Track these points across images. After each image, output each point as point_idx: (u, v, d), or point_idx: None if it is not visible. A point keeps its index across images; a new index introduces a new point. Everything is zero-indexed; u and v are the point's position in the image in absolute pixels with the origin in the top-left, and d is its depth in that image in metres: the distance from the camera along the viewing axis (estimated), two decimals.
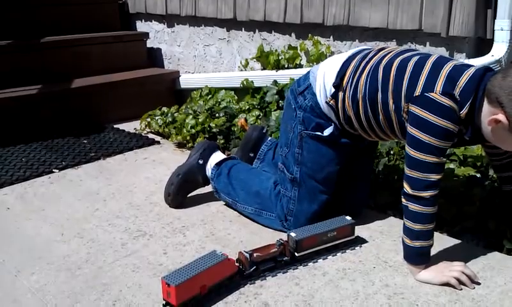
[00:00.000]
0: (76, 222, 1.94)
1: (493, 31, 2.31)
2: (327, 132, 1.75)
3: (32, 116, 2.94)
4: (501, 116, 1.39)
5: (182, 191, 2.05)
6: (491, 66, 2.08)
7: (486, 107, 1.44)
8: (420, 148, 1.47)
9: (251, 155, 2.16)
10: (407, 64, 1.56)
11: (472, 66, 1.52)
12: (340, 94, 1.69)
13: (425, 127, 1.46)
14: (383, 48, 1.71)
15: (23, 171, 2.42)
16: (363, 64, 1.67)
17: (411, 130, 1.49)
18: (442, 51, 2.48)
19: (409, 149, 1.50)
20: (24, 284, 1.56)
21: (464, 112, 1.45)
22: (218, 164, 2.01)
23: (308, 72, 1.83)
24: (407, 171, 1.51)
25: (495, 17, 2.31)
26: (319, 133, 1.76)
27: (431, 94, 1.46)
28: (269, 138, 2.21)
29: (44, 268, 1.64)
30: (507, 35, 2.27)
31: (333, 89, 1.71)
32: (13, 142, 2.79)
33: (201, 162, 2.04)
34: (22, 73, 3.14)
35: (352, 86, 1.67)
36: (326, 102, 1.73)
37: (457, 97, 1.45)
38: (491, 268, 1.57)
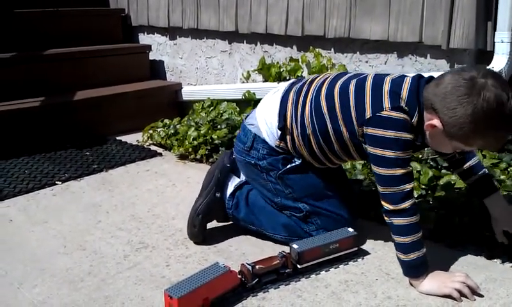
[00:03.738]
0: (79, 234, 1.95)
1: (494, 43, 2.33)
2: (297, 160, 1.76)
3: (35, 128, 2.95)
4: (436, 121, 1.47)
5: (205, 226, 1.87)
6: None
7: (424, 113, 1.51)
8: (386, 164, 1.51)
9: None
10: (348, 89, 1.61)
11: (405, 76, 1.60)
12: (288, 136, 1.72)
13: (385, 144, 1.51)
14: (313, 79, 1.74)
15: (26, 183, 2.43)
16: (301, 99, 1.70)
17: (373, 149, 1.53)
18: (443, 63, 2.50)
19: (375, 168, 1.54)
20: (26, 296, 1.56)
21: (415, 120, 1.53)
22: (232, 194, 1.87)
23: (243, 127, 1.84)
24: (380, 189, 1.54)
25: (495, 29, 2.33)
26: (291, 164, 1.76)
27: (382, 112, 1.52)
28: None
29: (47, 281, 1.64)
30: (507, 47, 2.29)
31: (279, 132, 1.73)
32: (16, 154, 2.80)
33: (218, 194, 1.85)
34: (25, 85, 3.15)
35: (299, 124, 1.69)
36: (276, 145, 1.75)
37: (406, 108, 1.52)
38: (493, 280, 1.57)
